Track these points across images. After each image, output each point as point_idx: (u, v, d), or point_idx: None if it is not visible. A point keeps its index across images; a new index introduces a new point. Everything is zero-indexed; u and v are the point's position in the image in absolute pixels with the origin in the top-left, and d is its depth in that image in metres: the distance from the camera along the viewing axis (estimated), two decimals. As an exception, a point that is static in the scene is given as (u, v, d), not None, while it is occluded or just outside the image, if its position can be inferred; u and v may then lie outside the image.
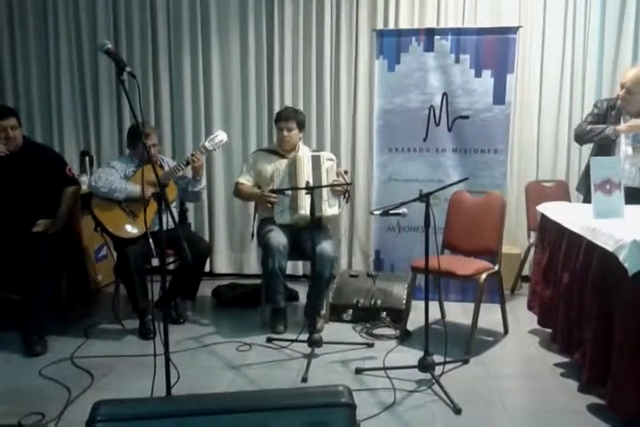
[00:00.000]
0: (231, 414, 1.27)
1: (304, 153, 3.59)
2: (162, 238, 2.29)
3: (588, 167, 3.44)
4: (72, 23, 4.58)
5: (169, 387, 2.23)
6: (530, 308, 3.41)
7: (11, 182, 3.36)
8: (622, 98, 3.35)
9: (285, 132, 3.61)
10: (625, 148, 3.32)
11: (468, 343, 3.12)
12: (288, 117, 3.61)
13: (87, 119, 4.70)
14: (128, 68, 2.13)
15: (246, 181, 3.68)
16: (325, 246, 3.38)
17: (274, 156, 3.67)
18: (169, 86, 4.59)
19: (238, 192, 3.73)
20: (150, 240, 3.01)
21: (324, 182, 3.43)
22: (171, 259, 3.76)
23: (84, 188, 3.76)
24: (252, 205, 4.49)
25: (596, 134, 3.37)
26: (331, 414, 1.27)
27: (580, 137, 3.51)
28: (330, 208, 3.48)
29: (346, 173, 3.63)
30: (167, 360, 2.21)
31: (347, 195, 3.59)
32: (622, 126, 3.32)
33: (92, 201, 3.47)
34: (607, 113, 3.45)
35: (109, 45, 2.22)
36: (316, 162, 3.47)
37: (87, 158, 4.42)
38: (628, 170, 3.28)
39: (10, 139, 3.32)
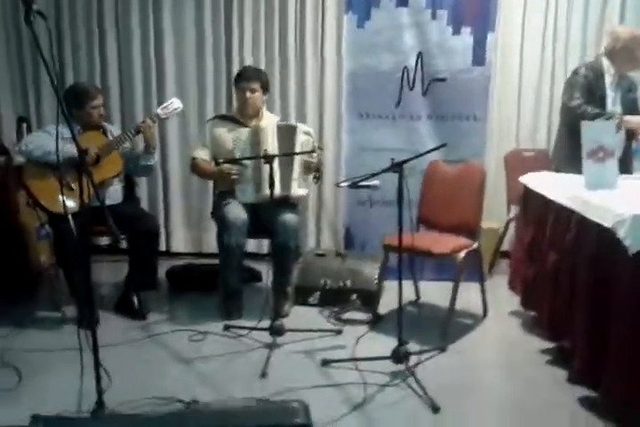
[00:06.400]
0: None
1: (269, 121, 3.29)
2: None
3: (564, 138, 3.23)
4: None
5: (100, 394, 1.91)
6: (512, 288, 3.17)
7: None
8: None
9: (248, 94, 3.26)
10: None
11: (445, 329, 2.87)
12: (250, 77, 3.28)
13: (25, 82, 4.24)
14: (35, 6, 1.73)
15: (203, 155, 3.31)
16: (289, 217, 3.12)
17: (233, 124, 3.32)
18: (116, 47, 4.17)
19: (194, 168, 3.37)
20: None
21: (297, 159, 3.11)
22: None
23: (20, 159, 3.36)
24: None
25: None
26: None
27: (581, 118, 3.03)
28: (299, 188, 3.19)
29: (320, 149, 3.28)
30: (97, 364, 1.88)
31: (318, 175, 3.23)
32: (633, 123, 3.07)
33: (24, 170, 3.13)
34: (594, 81, 3.18)
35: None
36: (290, 133, 3.14)
37: (25, 125, 4.02)
38: None
39: None
